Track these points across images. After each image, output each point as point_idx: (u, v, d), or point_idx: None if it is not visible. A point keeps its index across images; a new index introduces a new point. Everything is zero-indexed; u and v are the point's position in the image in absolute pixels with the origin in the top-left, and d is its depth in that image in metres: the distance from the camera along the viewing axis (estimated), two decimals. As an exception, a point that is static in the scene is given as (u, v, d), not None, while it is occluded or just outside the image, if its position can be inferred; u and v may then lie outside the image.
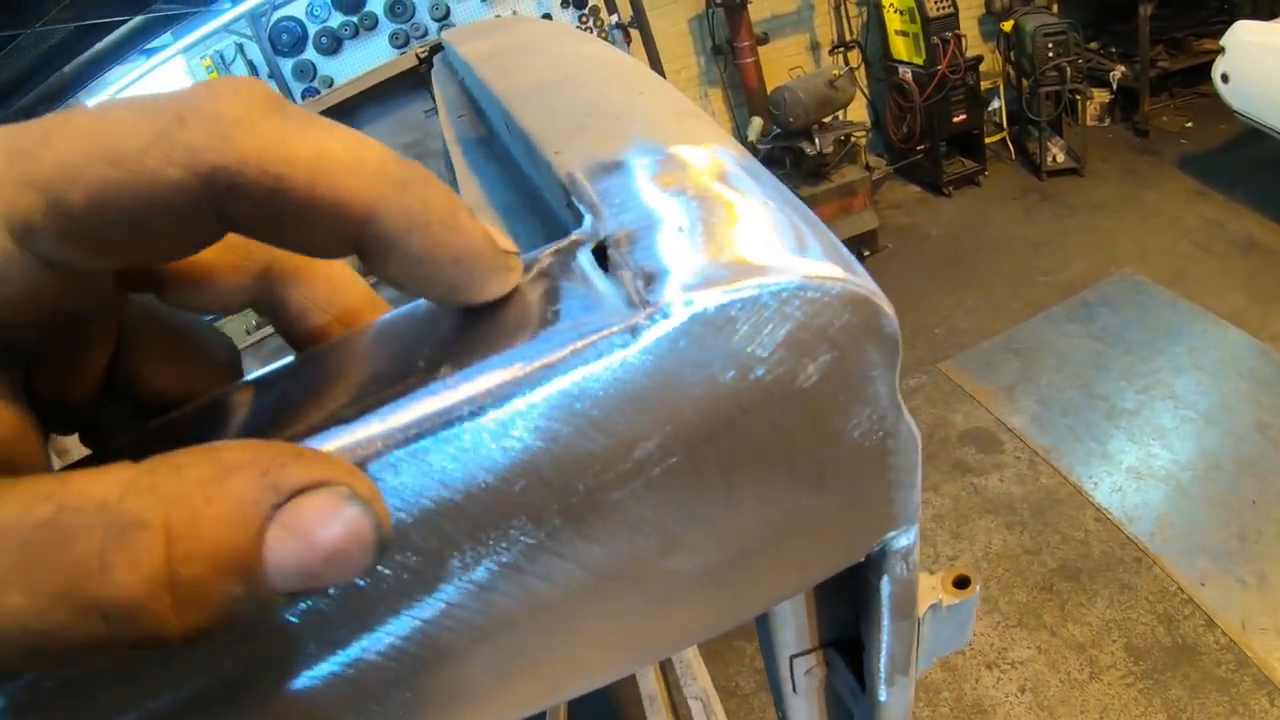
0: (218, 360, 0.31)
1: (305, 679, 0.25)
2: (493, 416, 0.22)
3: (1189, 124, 6.90)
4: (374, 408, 0.22)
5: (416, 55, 1.97)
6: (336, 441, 0.22)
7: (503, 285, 0.25)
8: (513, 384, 0.22)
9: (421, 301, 0.26)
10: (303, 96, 6.91)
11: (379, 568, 0.23)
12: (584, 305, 0.23)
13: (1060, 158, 6.78)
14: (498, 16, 6.72)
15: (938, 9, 6.34)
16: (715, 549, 0.27)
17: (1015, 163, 7.20)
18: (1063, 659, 3.26)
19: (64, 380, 0.26)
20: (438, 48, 1.90)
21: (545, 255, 0.26)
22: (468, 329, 0.24)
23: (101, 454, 0.27)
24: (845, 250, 0.26)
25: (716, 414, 0.24)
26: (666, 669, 2.78)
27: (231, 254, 0.27)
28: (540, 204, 0.39)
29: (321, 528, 0.20)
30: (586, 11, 6.89)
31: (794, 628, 0.48)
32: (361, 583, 0.24)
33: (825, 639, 0.50)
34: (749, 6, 6.57)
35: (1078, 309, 5.12)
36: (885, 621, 0.38)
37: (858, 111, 7.19)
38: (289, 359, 0.27)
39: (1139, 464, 3.96)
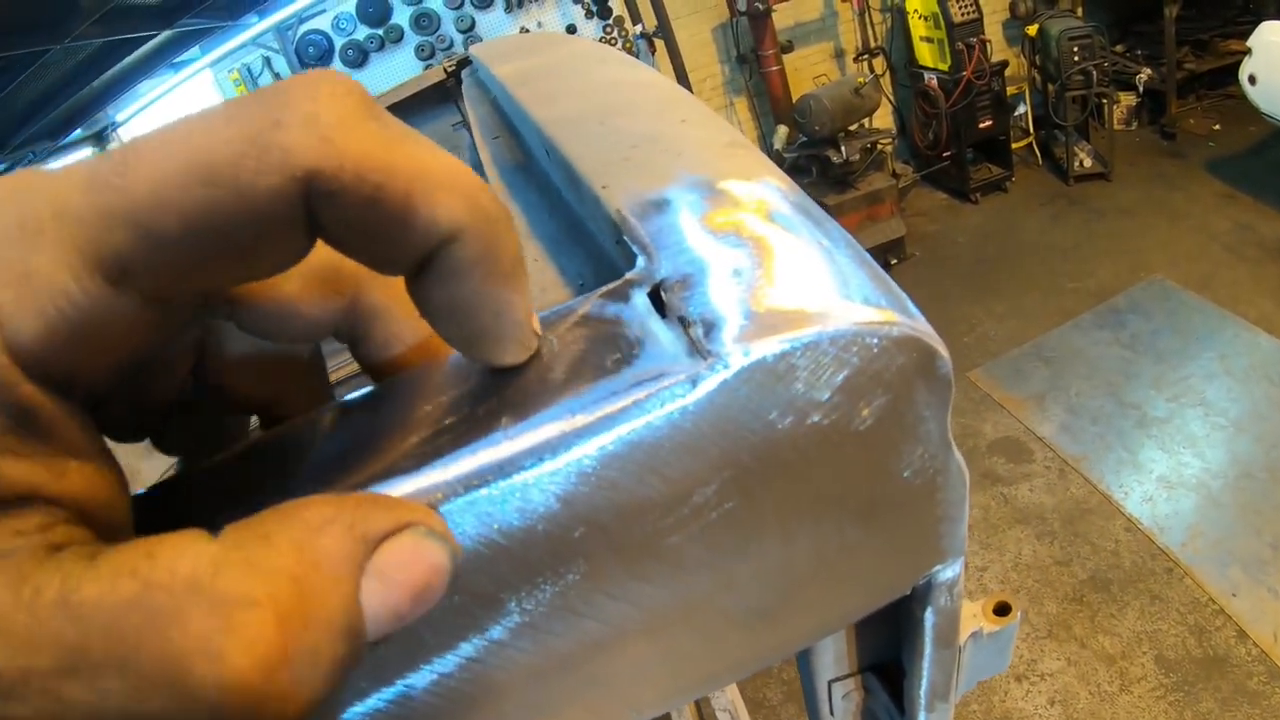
0: (301, 363, 0.30)
1: (354, 715, 0.25)
2: (552, 467, 0.22)
3: (1216, 126, 6.83)
4: (435, 456, 0.22)
5: (444, 69, 1.98)
6: (399, 489, 0.22)
7: (519, 358, 0.24)
8: (573, 434, 0.22)
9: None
10: (329, 108, 6.98)
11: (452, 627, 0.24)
12: (643, 353, 0.23)
13: (1087, 162, 6.73)
14: (523, 30, 6.75)
15: (962, 14, 6.31)
16: (767, 587, 0.27)
17: (1042, 168, 7.15)
18: (1093, 671, 3.23)
19: (139, 403, 0.26)
20: (465, 61, 1.92)
21: (600, 296, 0.26)
22: (529, 374, 0.24)
23: (174, 485, 0.27)
24: (898, 289, 0.26)
25: (773, 458, 0.24)
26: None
27: (321, 286, 0.27)
28: (585, 236, 0.39)
29: (408, 570, 0.20)
30: (611, 22, 6.91)
31: (833, 653, 0.48)
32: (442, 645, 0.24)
33: (864, 664, 0.50)
34: (773, 15, 6.56)
35: (1107, 316, 5.08)
36: (928, 650, 0.38)
37: (883, 119, 7.17)
38: (356, 394, 0.27)
39: (1170, 473, 3.92)
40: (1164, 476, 3.91)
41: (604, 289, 0.26)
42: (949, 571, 0.33)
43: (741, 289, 0.24)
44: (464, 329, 0.23)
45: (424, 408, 0.24)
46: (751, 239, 0.26)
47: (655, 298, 0.25)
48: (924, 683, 0.42)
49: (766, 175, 0.32)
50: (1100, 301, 5.22)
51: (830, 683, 0.50)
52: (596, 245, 0.37)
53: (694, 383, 0.22)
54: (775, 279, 0.24)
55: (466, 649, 0.25)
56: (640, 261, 0.27)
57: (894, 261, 6.32)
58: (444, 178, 0.21)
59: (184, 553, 0.19)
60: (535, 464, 0.22)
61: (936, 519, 0.30)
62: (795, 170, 6.24)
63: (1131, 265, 5.47)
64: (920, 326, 0.24)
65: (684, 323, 0.23)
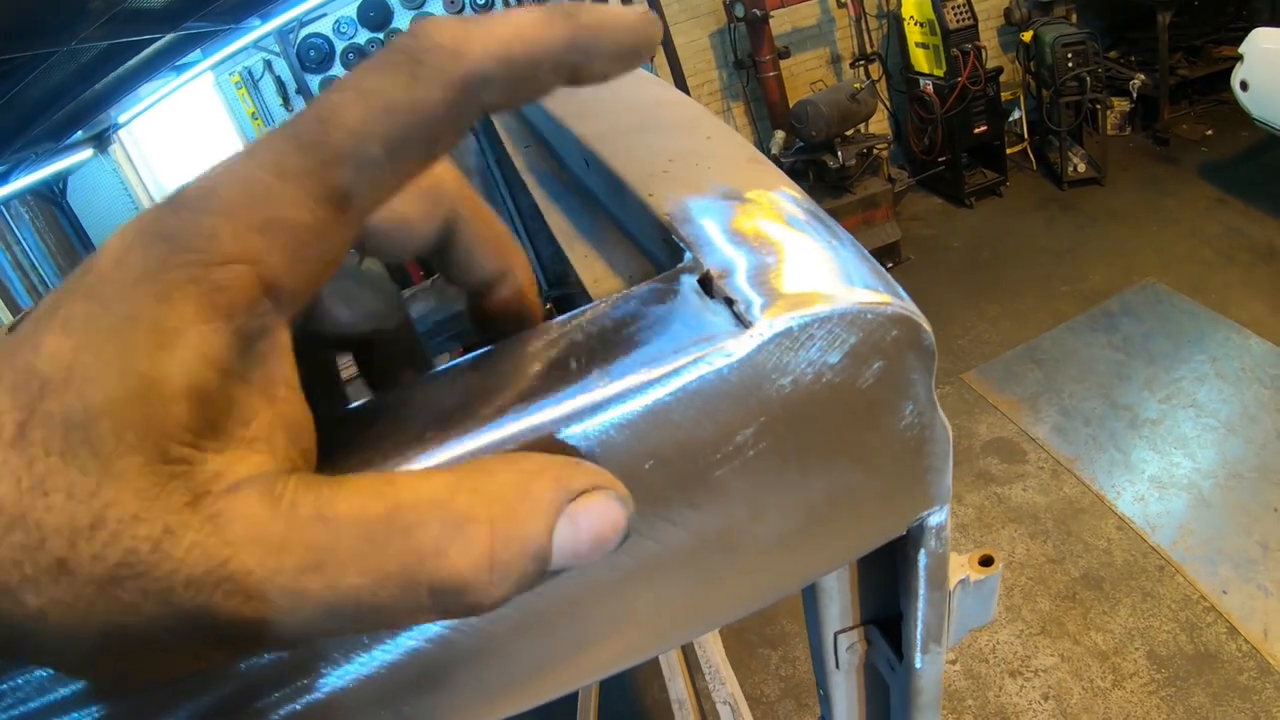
0: (388, 300, 0.36)
1: (410, 642, 0.32)
2: (633, 407, 0.28)
3: (1209, 131, 6.91)
4: (539, 400, 0.29)
5: (454, 75, 2.04)
6: (516, 427, 0.29)
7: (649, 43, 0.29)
8: (649, 382, 0.28)
9: (571, 317, 0.33)
10: (331, 113, 7.03)
11: None
12: (697, 324, 0.29)
13: (1081, 167, 6.80)
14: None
15: (957, 21, 6.38)
16: (789, 518, 0.34)
17: (1036, 173, 7.22)
18: (1085, 667, 3.30)
19: None
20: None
21: (658, 281, 0.33)
22: (609, 338, 0.30)
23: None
24: (890, 278, 0.33)
25: (796, 408, 0.30)
26: (695, 674, 2.82)
27: (427, 203, 0.33)
28: (627, 236, 0.46)
29: (596, 521, 0.26)
30: (609, 27, 6.97)
31: (839, 604, 0.54)
32: None
33: (865, 617, 0.56)
34: (770, 21, 6.63)
35: (1100, 319, 5.15)
36: (922, 591, 0.45)
37: (879, 124, 7.24)
38: (468, 356, 0.34)
39: (1161, 473, 3.99)
40: (1155, 476, 3.98)
41: (661, 276, 0.33)
42: (937, 517, 0.39)
43: (770, 277, 0.31)
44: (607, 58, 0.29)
45: (526, 365, 0.31)
46: (774, 238, 0.33)
47: (703, 283, 0.31)
48: (919, 625, 0.48)
49: (782, 186, 0.38)
50: (1093, 304, 5.30)
51: (836, 634, 0.57)
52: (639, 244, 0.44)
53: (740, 346, 0.29)
54: (795, 270, 0.31)
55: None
56: (688, 256, 0.33)
57: (889, 265, 6.37)
58: (529, 29, 0.26)
59: (427, 480, 0.25)
60: (620, 404, 0.28)
61: (925, 468, 0.36)
62: (792, 175, 6.22)
63: (1124, 269, 5.54)
64: (909, 307, 0.31)
65: (729, 302, 0.30)
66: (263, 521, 0.24)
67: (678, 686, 2.77)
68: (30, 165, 6.27)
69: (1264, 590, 3.32)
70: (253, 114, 7.16)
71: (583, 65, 0.27)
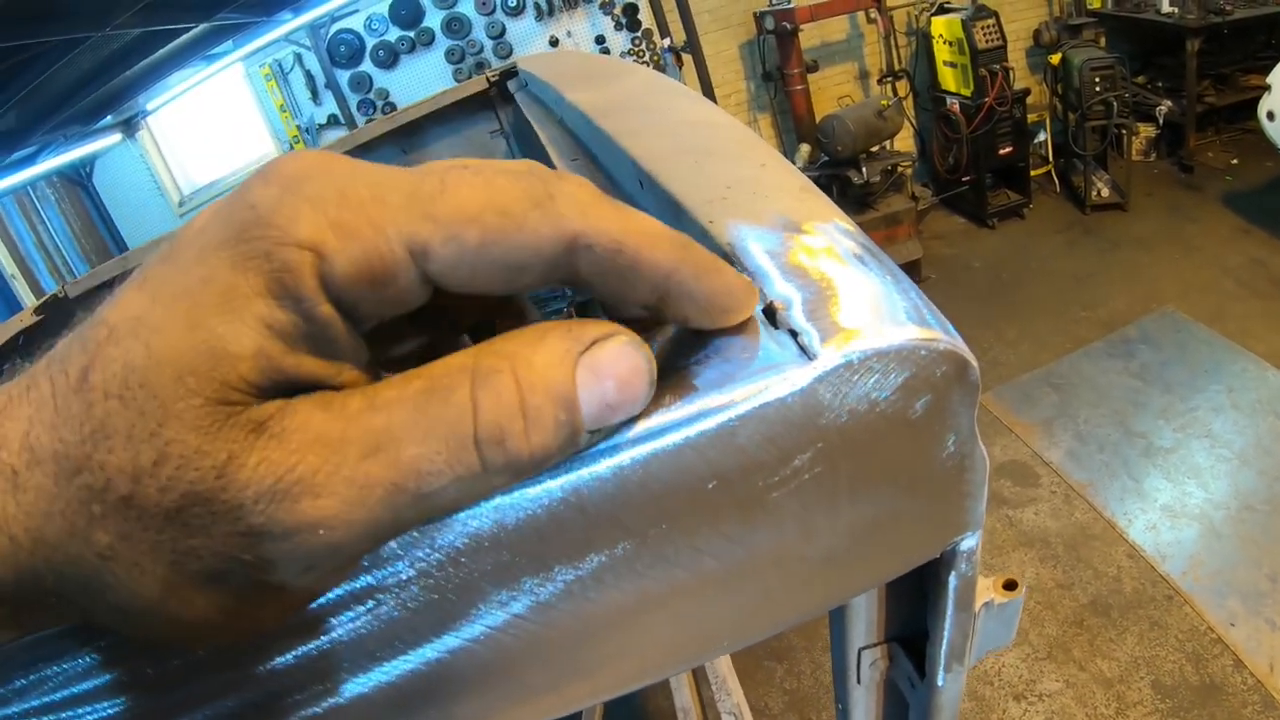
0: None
1: (470, 636, 0.34)
2: (702, 428, 0.30)
3: (1234, 160, 6.90)
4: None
5: (487, 79, 2.06)
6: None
7: (750, 310, 0.33)
8: (719, 407, 0.30)
9: (648, 339, 0.35)
10: (358, 108, 7.10)
11: (596, 550, 0.32)
12: (763, 353, 0.31)
13: (1105, 192, 6.80)
14: (553, 39, 6.84)
15: (986, 41, 6.39)
16: (836, 539, 0.35)
17: (1059, 196, 7.22)
18: (1090, 694, 3.29)
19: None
20: (510, 73, 2.01)
21: None
22: (683, 363, 0.32)
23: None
24: (941, 314, 0.34)
25: (851, 435, 0.32)
26: (701, 684, 2.83)
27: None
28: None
29: (614, 364, 0.28)
30: (640, 35, 7.01)
31: (865, 622, 0.56)
32: (574, 570, 0.32)
33: (889, 634, 0.58)
34: (800, 34, 6.65)
35: (1118, 345, 5.15)
36: (950, 612, 0.46)
37: (905, 141, 7.26)
38: None
39: (1173, 502, 3.98)
40: (1168, 505, 3.98)
41: None
42: (969, 542, 0.41)
43: (829, 310, 0.33)
44: (710, 317, 0.32)
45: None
46: (831, 273, 0.35)
47: (767, 314, 0.33)
48: (944, 644, 0.50)
49: (836, 218, 0.40)
50: (1112, 330, 5.30)
51: (861, 650, 0.58)
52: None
53: (801, 376, 0.30)
54: (852, 304, 0.33)
55: (626, 578, 0.33)
56: None
57: (909, 283, 6.39)
58: (654, 236, 0.29)
59: (454, 357, 0.28)
60: (692, 425, 0.30)
61: (962, 494, 0.38)
62: (815, 189, 6.30)
63: (1144, 295, 5.54)
64: (958, 343, 0.33)
65: (793, 334, 0.32)
66: (321, 424, 0.26)
67: (683, 695, 2.78)
68: (59, 147, 6.35)
69: (1271, 624, 3.31)
70: (281, 106, 7.22)
71: (670, 297, 0.30)
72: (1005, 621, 0.53)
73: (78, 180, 7.11)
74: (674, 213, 0.45)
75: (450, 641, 0.33)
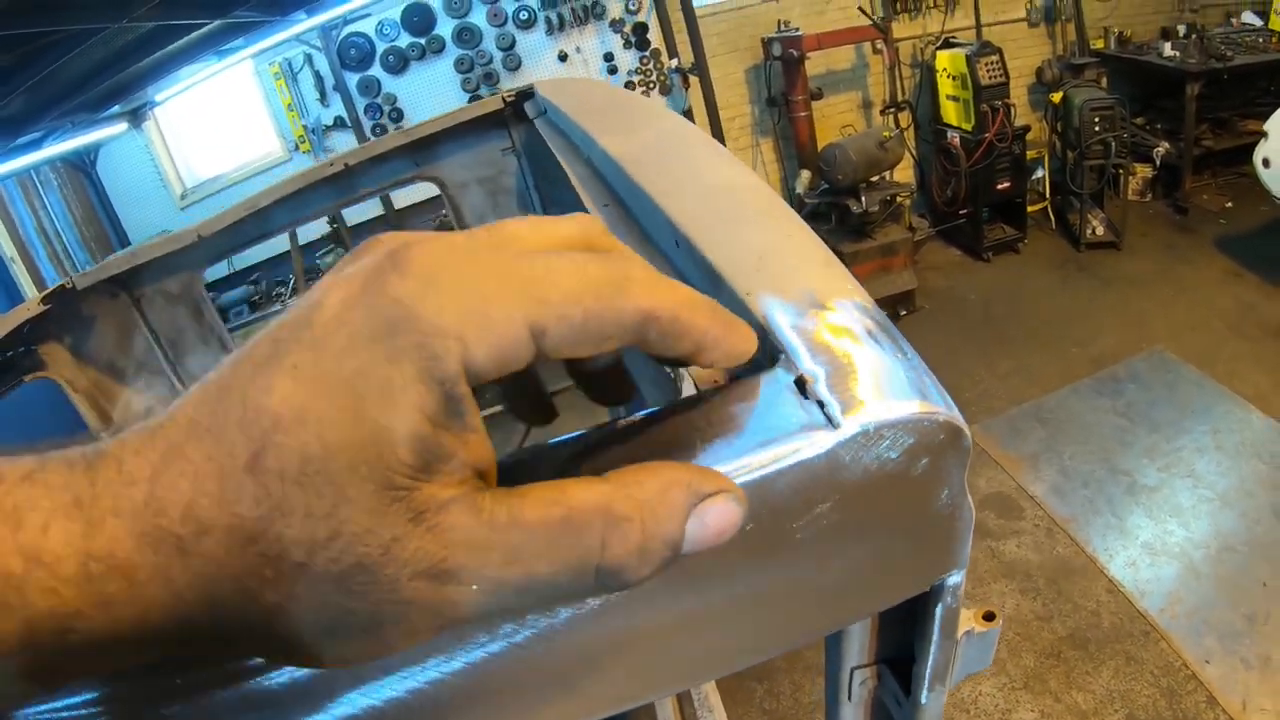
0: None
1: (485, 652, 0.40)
2: (743, 479, 0.37)
3: (1229, 204, 6.98)
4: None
5: (503, 99, 2.12)
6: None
7: (752, 352, 0.38)
8: (758, 465, 0.37)
9: (697, 399, 0.41)
10: (365, 112, 7.15)
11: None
12: (795, 418, 0.38)
13: (1100, 230, 6.87)
14: (562, 53, 6.88)
15: (989, 77, 6.47)
16: (845, 571, 0.42)
17: (1055, 232, 7.29)
18: (1065, 724, 3.34)
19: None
20: (526, 94, 2.07)
21: (761, 379, 0.42)
22: (723, 427, 0.39)
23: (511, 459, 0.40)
24: (942, 389, 0.41)
25: (863, 489, 0.39)
26: (684, 701, 2.87)
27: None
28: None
29: (719, 519, 0.34)
30: (648, 54, 7.06)
31: (859, 644, 0.63)
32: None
33: (879, 656, 0.65)
34: (806, 61, 6.72)
35: (1107, 383, 5.21)
36: (935, 638, 0.53)
37: (904, 172, 7.32)
38: (608, 423, 0.42)
39: (1154, 540, 4.04)
40: (1149, 543, 4.04)
41: (761, 375, 0.42)
42: (955, 578, 0.48)
43: (850, 383, 0.39)
44: (731, 360, 0.38)
45: (662, 436, 0.39)
46: (850, 351, 0.42)
47: (799, 384, 0.40)
48: (929, 666, 0.56)
49: (856, 295, 0.47)
50: (1101, 368, 5.36)
51: (853, 669, 0.65)
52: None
53: (827, 440, 0.37)
54: (869, 378, 0.40)
55: (676, 599, 0.40)
56: (782, 358, 0.42)
57: (903, 313, 6.44)
58: (698, 304, 0.36)
59: (591, 490, 0.33)
60: (736, 476, 0.37)
61: (952, 538, 0.45)
62: (815, 217, 6.36)
63: (1135, 335, 5.61)
64: (955, 416, 0.40)
65: (820, 404, 0.39)
66: (470, 529, 0.31)
67: (665, 711, 2.81)
68: (65, 133, 6.34)
69: (1246, 663, 3.37)
70: (288, 105, 7.25)
71: (703, 349, 0.36)
72: (984, 648, 0.60)
73: (81, 167, 7.10)
74: (711, 279, 0.52)
75: (455, 665, 0.40)
